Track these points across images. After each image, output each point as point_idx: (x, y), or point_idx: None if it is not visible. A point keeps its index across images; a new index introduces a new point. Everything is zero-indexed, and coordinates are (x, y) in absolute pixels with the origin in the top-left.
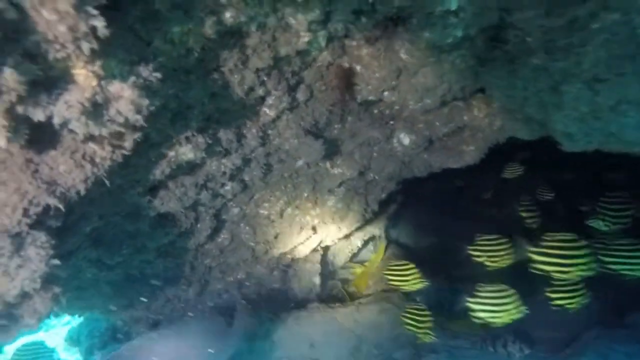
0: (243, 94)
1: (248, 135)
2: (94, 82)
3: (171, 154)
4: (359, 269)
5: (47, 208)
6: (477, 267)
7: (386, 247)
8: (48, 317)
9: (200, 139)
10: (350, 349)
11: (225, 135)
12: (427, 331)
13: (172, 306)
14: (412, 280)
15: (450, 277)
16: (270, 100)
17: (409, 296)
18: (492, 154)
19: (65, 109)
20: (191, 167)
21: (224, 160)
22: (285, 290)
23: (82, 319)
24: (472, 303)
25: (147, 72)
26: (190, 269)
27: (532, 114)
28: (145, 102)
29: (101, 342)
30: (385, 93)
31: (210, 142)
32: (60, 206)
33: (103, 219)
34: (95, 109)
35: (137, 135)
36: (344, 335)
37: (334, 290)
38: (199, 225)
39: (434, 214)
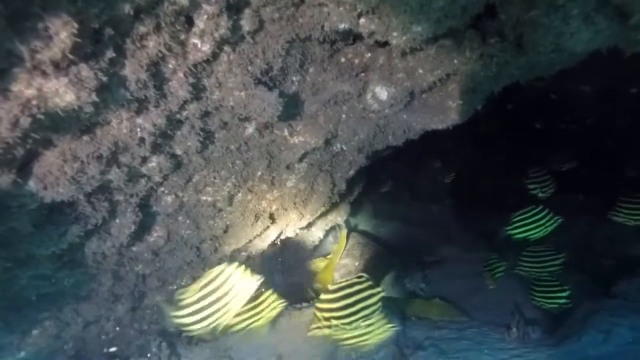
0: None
1: (173, 78)
2: None
3: (29, 92)
4: (321, 263)
5: None
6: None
7: (348, 236)
8: None
9: (84, 70)
10: (325, 357)
11: (133, 70)
12: None
13: (98, 330)
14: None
15: (421, 264)
16: (200, 23)
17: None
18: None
19: None
20: (78, 121)
21: (138, 120)
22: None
23: None
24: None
25: None
26: (115, 280)
27: None
28: None
29: None
30: (362, 19)
31: (104, 77)
32: None
33: None
34: None
35: None
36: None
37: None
38: (117, 221)
39: (397, 199)
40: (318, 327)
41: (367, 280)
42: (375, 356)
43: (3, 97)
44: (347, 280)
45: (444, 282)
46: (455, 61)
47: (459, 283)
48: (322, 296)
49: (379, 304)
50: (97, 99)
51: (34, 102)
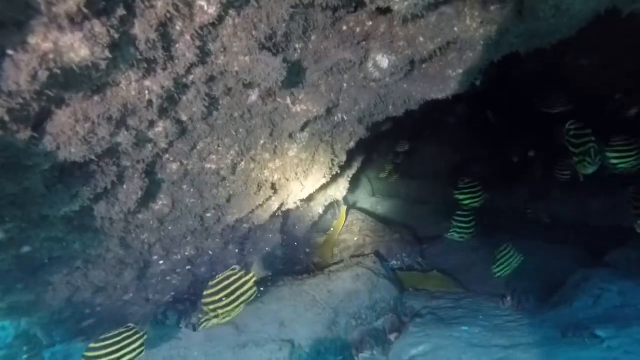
0: None
1: (180, 41)
2: None
3: (46, 45)
4: (321, 238)
5: None
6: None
7: (347, 212)
8: None
9: (97, 26)
10: (326, 324)
11: (142, 30)
12: None
13: (105, 296)
14: None
15: (419, 239)
16: None
17: (383, 260)
18: None
19: None
20: (92, 82)
21: (147, 82)
22: (243, 266)
23: None
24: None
25: None
26: (123, 248)
27: None
28: None
29: (9, 356)
30: None
31: (115, 34)
32: None
33: None
34: None
35: None
36: (318, 309)
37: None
38: (124, 186)
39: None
40: (207, 320)
41: (240, 270)
42: (375, 323)
43: (22, 49)
44: (222, 275)
45: (442, 257)
46: (456, 29)
47: (456, 257)
48: (205, 292)
49: (254, 287)
50: (110, 55)
51: (51, 56)
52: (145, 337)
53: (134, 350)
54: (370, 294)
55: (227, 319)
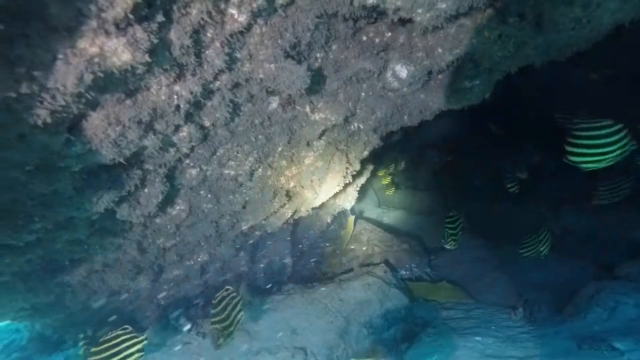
0: None
1: (210, 47)
2: None
3: (92, 50)
4: (329, 248)
5: None
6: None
7: (355, 222)
8: None
9: (139, 31)
10: (338, 332)
11: (178, 36)
12: None
13: (120, 301)
14: None
15: (427, 250)
16: None
17: (393, 270)
18: None
19: None
20: (127, 85)
21: (176, 87)
22: (253, 273)
23: None
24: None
25: None
26: (139, 251)
27: None
28: None
29: (23, 358)
30: None
31: (155, 40)
32: None
33: None
34: None
35: None
36: (330, 317)
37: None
38: (146, 190)
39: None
40: None
41: (131, 331)
42: (386, 332)
43: (71, 53)
44: (111, 333)
45: (450, 267)
46: (474, 41)
47: (464, 268)
48: (92, 350)
49: (142, 351)
50: (149, 60)
51: (96, 60)
52: (145, 342)
53: (135, 353)
54: (381, 303)
55: None
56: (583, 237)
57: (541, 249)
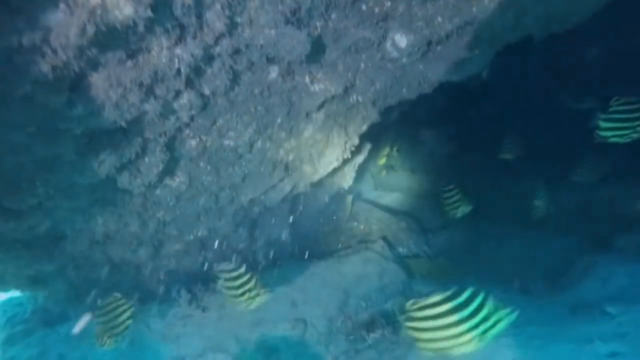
0: None
1: (211, 9)
2: None
3: (93, 1)
4: (327, 226)
5: None
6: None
7: (352, 202)
8: None
9: None
10: (337, 304)
11: None
12: None
13: (122, 274)
14: None
15: (424, 229)
16: None
17: (391, 246)
18: None
19: None
20: (128, 45)
21: (177, 50)
22: (252, 250)
23: None
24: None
25: None
26: (140, 225)
27: None
28: None
29: (26, 330)
30: None
31: None
32: None
33: None
34: None
35: None
36: (329, 290)
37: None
38: (146, 159)
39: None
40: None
41: (120, 298)
42: (384, 305)
43: (73, 3)
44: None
45: (447, 246)
46: (474, 9)
47: (461, 248)
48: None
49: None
50: (151, 14)
51: (98, 12)
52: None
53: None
54: (379, 277)
55: None
56: (576, 212)
57: None
